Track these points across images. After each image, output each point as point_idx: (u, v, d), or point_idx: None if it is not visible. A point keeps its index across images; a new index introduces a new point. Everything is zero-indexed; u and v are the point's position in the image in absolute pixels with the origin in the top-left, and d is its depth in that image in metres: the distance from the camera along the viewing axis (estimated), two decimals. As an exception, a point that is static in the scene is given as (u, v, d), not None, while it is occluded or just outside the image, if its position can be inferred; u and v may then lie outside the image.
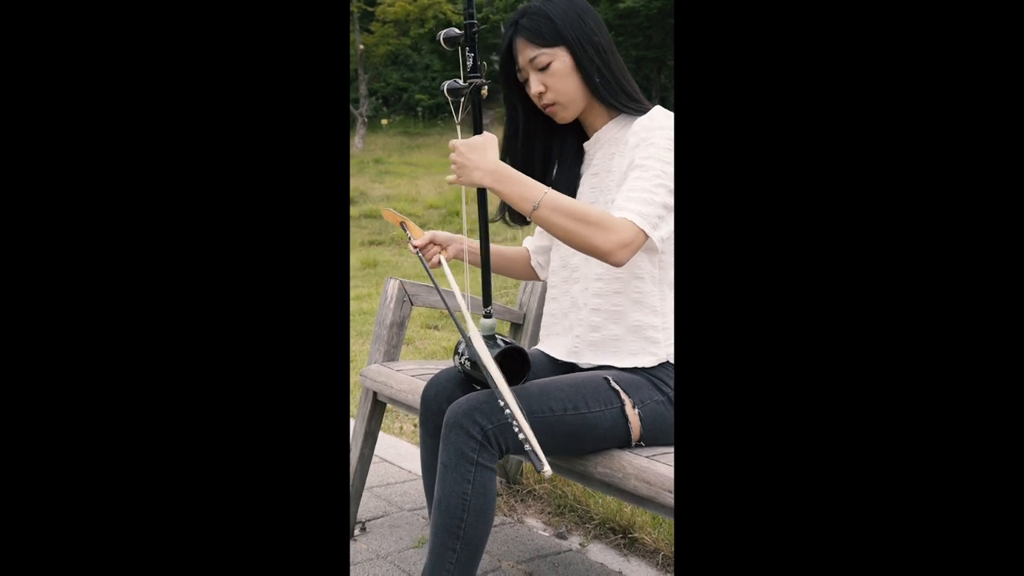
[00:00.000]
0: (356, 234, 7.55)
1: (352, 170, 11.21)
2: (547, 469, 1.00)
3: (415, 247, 1.49)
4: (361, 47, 14.52)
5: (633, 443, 1.33)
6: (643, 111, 1.37)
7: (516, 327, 2.14)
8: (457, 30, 1.25)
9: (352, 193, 9.36)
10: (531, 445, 1.02)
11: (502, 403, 1.08)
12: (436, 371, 1.84)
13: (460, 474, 1.19)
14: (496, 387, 1.10)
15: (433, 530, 1.20)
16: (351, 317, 4.64)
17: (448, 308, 1.32)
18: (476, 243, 1.57)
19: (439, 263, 1.47)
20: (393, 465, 2.46)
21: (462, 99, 1.26)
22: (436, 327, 4.34)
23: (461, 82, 1.25)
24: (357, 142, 13.71)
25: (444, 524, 1.18)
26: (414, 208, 8.51)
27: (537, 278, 1.66)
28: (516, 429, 1.05)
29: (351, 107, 14.49)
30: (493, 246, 1.62)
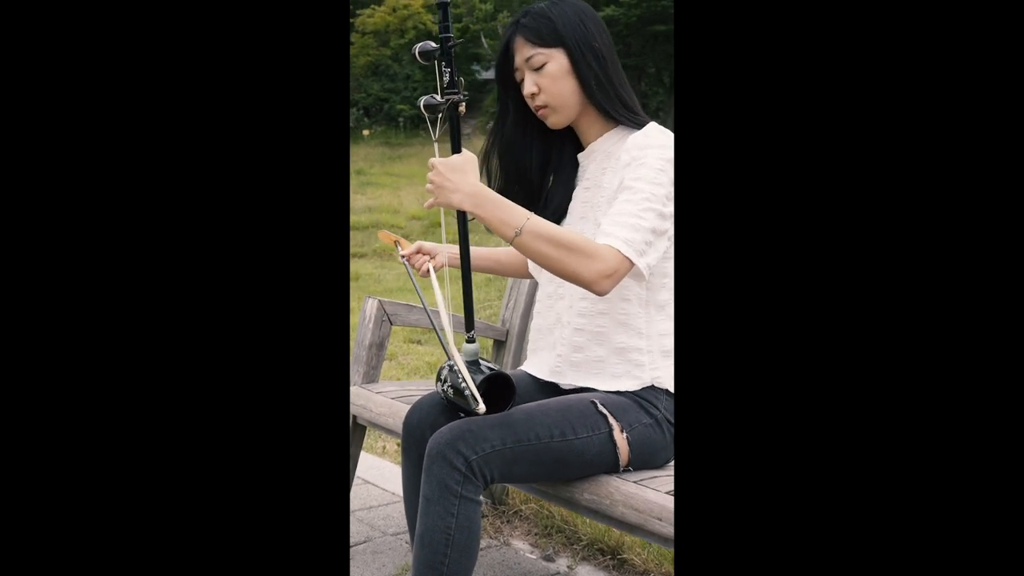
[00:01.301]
0: (338, 246, 7.48)
1: (333, 181, 11.13)
2: (481, 406, 1.08)
3: (403, 256, 1.48)
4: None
5: (621, 468, 1.29)
6: (639, 124, 1.33)
7: (499, 344, 2.09)
8: (433, 44, 1.21)
9: (333, 205, 9.28)
10: (467, 385, 1.10)
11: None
12: (418, 393, 1.79)
13: (443, 507, 1.14)
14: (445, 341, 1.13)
15: (415, 565, 1.15)
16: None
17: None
18: (480, 249, 1.56)
19: (427, 272, 1.46)
20: (376, 487, 2.40)
21: (439, 115, 1.22)
22: (419, 341, 4.28)
23: (438, 98, 1.21)
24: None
25: (426, 560, 1.13)
26: (396, 219, 8.45)
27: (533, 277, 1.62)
28: (451, 364, 1.09)
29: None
30: (485, 250, 1.60)
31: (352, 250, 7.39)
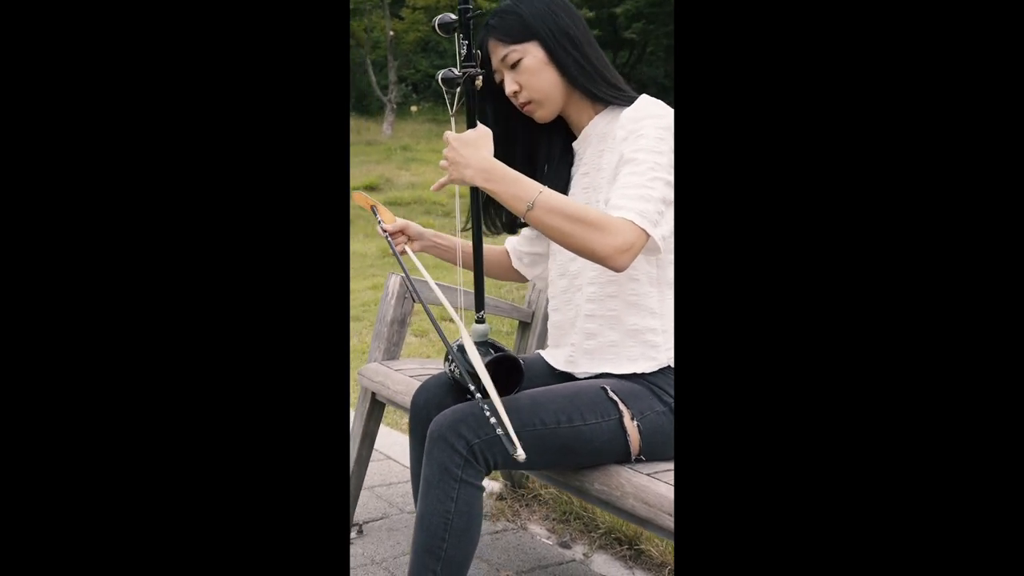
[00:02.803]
0: (379, 222, 7.50)
1: (378, 157, 11.18)
2: (520, 452, 0.96)
3: (384, 231, 1.44)
4: (391, 33, 14.47)
5: (632, 457, 1.25)
6: (629, 100, 1.29)
7: (524, 326, 2.06)
8: (452, 15, 1.17)
9: (378, 180, 9.32)
10: (503, 427, 0.99)
11: (475, 393, 1.02)
12: (438, 372, 1.78)
13: (443, 491, 1.12)
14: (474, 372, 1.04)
15: (414, 548, 1.13)
16: (366, 308, 4.60)
17: (421, 302, 1.25)
18: (468, 243, 1.50)
19: (404, 252, 1.43)
20: (397, 463, 2.40)
21: (456, 89, 1.18)
22: (451, 320, 4.27)
23: (456, 71, 1.18)
24: (385, 129, 13.67)
25: (424, 543, 1.11)
26: (439, 195, 8.45)
27: (523, 279, 1.59)
28: (487, 412, 1.01)
29: (380, 93, 14.46)
30: (464, 242, 1.54)
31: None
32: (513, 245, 1.57)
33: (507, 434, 0.98)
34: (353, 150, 11.94)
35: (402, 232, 1.45)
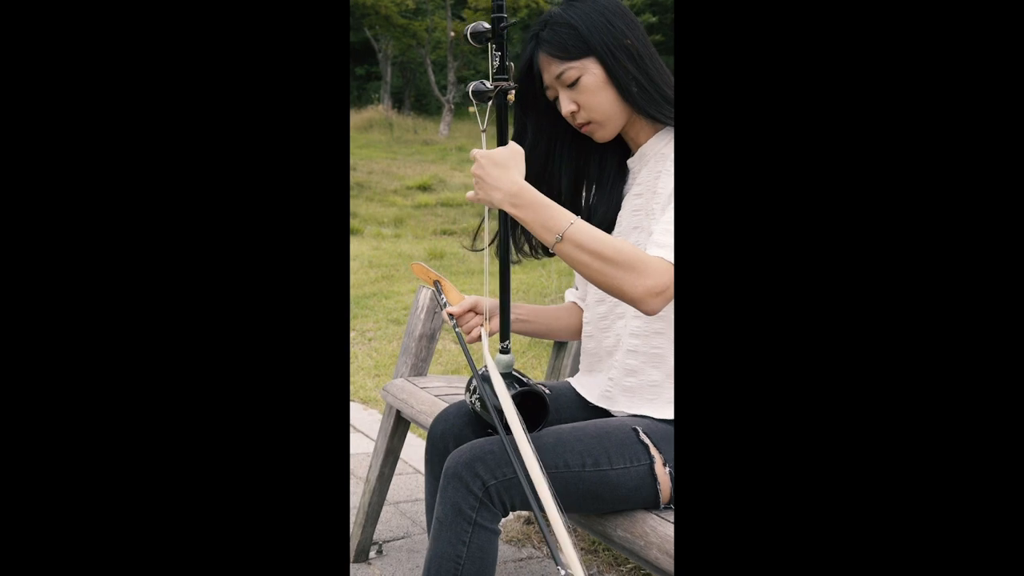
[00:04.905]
0: (429, 222, 7.49)
1: (433, 157, 11.19)
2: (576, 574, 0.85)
3: (450, 315, 1.26)
4: (452, 34, 14.49)
5: (662, 505, 1.16)
6: None
7: (559, 346, 1.98)
8: (486, 25, 1.10)
9: (431, 180, 9.31)
10: (555, 543, 0.88)
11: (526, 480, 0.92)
12: (463, 392, 1.71)
13: (455, 533, 1.04)
14: (514, 452, 0.94)
15: (419, 592, 1.06)
16: (408, 313, 4.56)
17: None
18: (524, 307, 1.38)
19: (479, 337, 1.22)
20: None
21: (488, 103, 1.11)
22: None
23: (488, 84, 1.10)
24: (442, 129, 13.70)
25: (431, 588, 1.04)
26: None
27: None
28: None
29: (439, 93, 14.49)
30: (539, 307, 1.42)
31: (443, 227, 7.38)
32: (576, 296, 1.45)
33: (559, 555, 0.88)
34: (409, 149, 12.00)
35: (472, 311, 1.27)
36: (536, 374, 2.84)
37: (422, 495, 2.20)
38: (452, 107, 14.07)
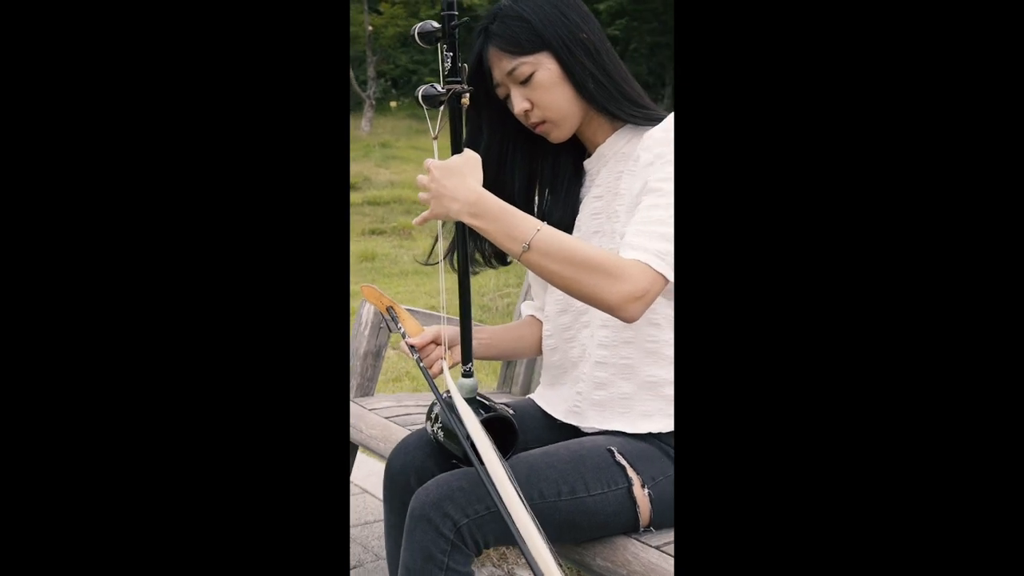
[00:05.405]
0: (357, 222, 7.30)
1: (357, 154, 10.94)
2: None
3: (411, 347, 1.16)
4: (370, 28, 14.24)
5: (641, 528, 1.10)
6: (654, 119, 1.12)
7: (507, 363, 1.90)
8: (434, 23, 1.01)
9: (356, 179, 9.10)
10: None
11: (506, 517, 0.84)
12: (416, 410, 1.61)
13: (425, 581, 0.95)
14: (496, 490, 0.87)
15: (390, 647, 0.97)
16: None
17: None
18: (485, 329, 1.29)
19: (440, 371, 1.13)
20: (374, 497, 2.23)
21: (440, 108, 1.02)
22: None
23: (439, 87, 1.01)
24: (364, 125, 13.44)
25: (402, 644, 0.95)
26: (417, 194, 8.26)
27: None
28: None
29: (359, 89, 14.22)
30: (499, 328, 1.33)
31: (371, 226, 7.22)
32: (532, 309, 1.36)
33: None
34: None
35: (433, 342, 1.17)
36: (488, 382, 2.75)
37: (371, 518, 2.10)
38: (373, 103, 13.82)
